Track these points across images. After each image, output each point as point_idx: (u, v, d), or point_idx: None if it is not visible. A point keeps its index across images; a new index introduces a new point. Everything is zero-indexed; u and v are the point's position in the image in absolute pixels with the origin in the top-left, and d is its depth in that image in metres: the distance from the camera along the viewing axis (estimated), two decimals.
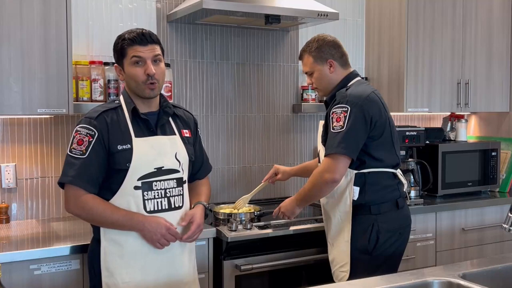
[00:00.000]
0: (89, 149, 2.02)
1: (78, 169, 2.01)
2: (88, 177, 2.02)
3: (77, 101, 2.68)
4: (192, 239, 2.14)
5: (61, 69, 2.49)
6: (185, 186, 2.18)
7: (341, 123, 2.28)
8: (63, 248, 2.25)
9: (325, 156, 2.33)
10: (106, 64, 2.80)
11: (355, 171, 2.36)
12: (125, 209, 2.03)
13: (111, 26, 2.94)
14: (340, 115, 2.29)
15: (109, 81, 2.78)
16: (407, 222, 2.47)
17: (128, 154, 2.03)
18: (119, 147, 2.04)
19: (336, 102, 2.35)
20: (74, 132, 2.06)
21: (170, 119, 2.19)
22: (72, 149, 2.03)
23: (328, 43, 2.47)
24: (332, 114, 2.32)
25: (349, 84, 2.45)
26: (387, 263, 2.38)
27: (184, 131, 2.22)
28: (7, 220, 2.71)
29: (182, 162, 2.16)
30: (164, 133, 2.15)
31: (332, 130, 2.30)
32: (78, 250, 2.26)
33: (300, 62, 2.61)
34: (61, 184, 2.06)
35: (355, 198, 2.36)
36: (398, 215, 2.42)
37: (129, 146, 2.04)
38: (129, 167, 2.03)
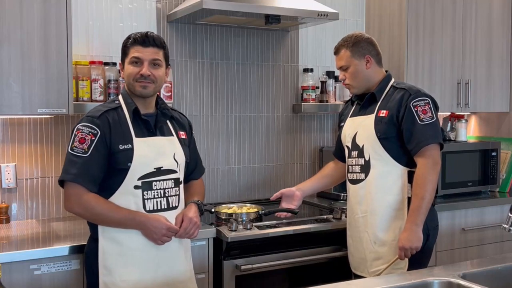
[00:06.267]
0: (92, 148, 2.02)
1: (80, 168, 2.01)
2: (90, 176, 2.02)
3: (77, 101, 2.68)
4: (189, 235, 2.14)
5: (61, 69, 2.49)
6: (181, 186, 2.22)
7: (429, 114, 2.37)
8: (63, 248, 2.25)
9: (421, 148, 2.34)
10: (106, 64, 2.80)
11: (407, 169, 2.40)
12: (124, 207, 2.05)
13: (111, 26, 2.94)
14: (424, 107, 2.37)
15: (109, 81, 2.78)
16: (437, 217, 2.54)
17: (129, 154, 2.05)
18: (121, 147, 2.05)
19: (412, 96, 2.39)
20: (75, 130, 2.05)
21: (167, 121, 2.23)
22: (74, 148, 2.03)
23: (366, 40, 2.51)
24: (415, 107, 2.37)
25: (392, 83, 2.51)
26: (429, 257, 2.48)
27: (181, 132, 2.26)
28: (7, 220, 2.70)
29: (180, 162, 2.19)
30: (162, 134, 2.18)
31: (421, 122, 2.35)
32: (78, 250, 2.26)
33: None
34: (61, 182, 2.06)
35: (410, 195, 2.38)
36: (433, 211, 2.48)
37: (130, 146, 2.06)
38: (130, 166, 2.04)
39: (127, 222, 2.04)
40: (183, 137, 2.26)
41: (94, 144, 2.02)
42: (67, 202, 2.06)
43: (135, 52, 2.09)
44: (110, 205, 2.03)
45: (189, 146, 2.30)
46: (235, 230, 2.52)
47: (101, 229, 2.06)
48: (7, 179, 2.72)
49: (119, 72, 2.16)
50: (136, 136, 2.09)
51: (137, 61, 2.10)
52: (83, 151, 2.02)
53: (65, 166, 2.05)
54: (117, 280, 2.04)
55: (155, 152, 2.11)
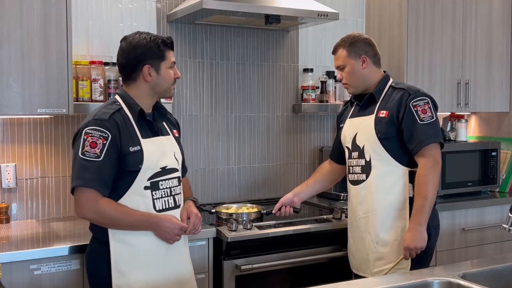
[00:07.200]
0: (104, 152, 1.99)
1: (95, 172, 1.98)
2: (103, 180, 2.00)
3: (77, 101, 2.68)
4: (195, 230, 2.19)
5: (61, 69, 2.49)
6: (181, 184, 2.24)
7: (429, 113, 2.38)
8: (63, 248, 2.25)
9: (422, 147, 2.34)
10: (106, 64, 2.80)
11: (408, 169, 2.41)
12: (136, 210, 2.05)
13: (111, 26, 2.94)
14: (424, 107, 2.38)
15: (109, 81, 2.78)
16: (438, 217, 2.54)
17: (139, 156, 2.05)
18: (131, 149, 2.04)
19: (412, 96, 2.40)
20: (83, 134, 2.00)
21: (163, 121, 2.25)
22: (85, 152, 1.98)
23: (363, 40, 2.52)
24: (415, 107, 2.38)
25: (391, 83, 2.51)
26: (430, 257, 2.48)
27: (174, 131, 2.29)
28: (7, 220, 2.70)
29: (179, 161, 2.22)
30: (162, 133, 2.19)
31: (421, 121, 2.36)
32: (78, 250, 2.26)
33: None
34: (73, 188, 2.00)
35: (411, 195, 2.39)
36: (435, 211, 2.48)
37: (138, 147, 2.06)
38: (140, 168, 2.04)
39: (140, 224, 2.04)
40: (176, 135, 2.29)
41: (106, 148, 1.99)
42: (79, 208, 2.01)
43: (172, 57, 2.16)
44: (122, 208, 2.02)
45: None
46: (235, 230, 2.53)
47: (111, 232, 2.04)
48: (7, 179, 2.72)
49: (149, 75, 2.10)
50: (142, 137, 2.09)
51: (174, 65, 2.18)
52: (96, 155, 1.98)
53: (77, 171, 1.99)
54: (131, 282, 2.05)
55: (160, 152, 2.12)
